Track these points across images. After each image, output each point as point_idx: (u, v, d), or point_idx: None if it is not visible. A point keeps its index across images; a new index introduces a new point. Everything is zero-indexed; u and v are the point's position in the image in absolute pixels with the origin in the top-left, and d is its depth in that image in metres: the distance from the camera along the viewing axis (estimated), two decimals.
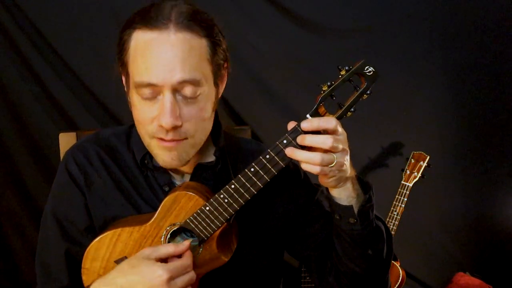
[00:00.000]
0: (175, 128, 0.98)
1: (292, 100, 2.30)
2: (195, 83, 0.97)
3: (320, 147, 0.90)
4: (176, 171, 1.14)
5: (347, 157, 0.95)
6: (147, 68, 0.95)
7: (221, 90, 1.11)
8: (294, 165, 1.22)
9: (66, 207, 1.12)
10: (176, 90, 0.97)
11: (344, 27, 2.35)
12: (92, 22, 2.17)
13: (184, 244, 0.99)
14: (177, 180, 1.13)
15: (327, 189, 1.03)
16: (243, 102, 2.32)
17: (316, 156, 0.90)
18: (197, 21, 0.97)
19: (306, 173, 1.23)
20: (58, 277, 1.11)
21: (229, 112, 2.31)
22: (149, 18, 0.96)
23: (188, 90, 0.97)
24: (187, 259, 0.98)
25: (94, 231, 1.10)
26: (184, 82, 0.96)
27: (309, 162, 0.91)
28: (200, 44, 0.98)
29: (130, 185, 1.11)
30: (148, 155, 1.11)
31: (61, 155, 1.44)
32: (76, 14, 2.17)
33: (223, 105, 2.28)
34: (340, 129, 0.92)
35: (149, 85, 0.96)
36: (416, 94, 2.42)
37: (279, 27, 2.31)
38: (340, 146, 0.91)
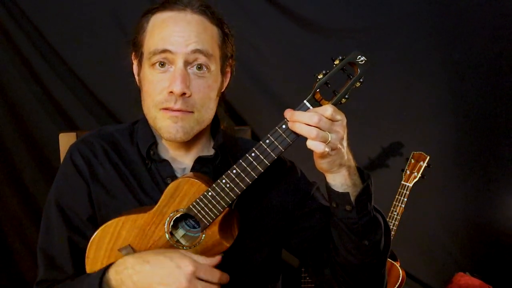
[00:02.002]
0: (184, 96, 1.04)
1: (292, 100, 2.29)
2: (207, 55, 1.05)
3: (306, 123, 0.93)
4: (178, 164, 1.17)
5: (344, 143, 0.97)
6: (164, 38, 1.05)
7: (225, 84, 1.17)
8: (291, 162, 1.27)
9: (69, 197, 1.14)
10: (188, 62, 1.05)
11: (344, 27, 2.35)
12: (92, 22, 2.17)
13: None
14: (178, 173, 1.15)
15: (325, 178, 1.04)
16: (243, 102, 2.32)
17: (312, 130, 0.92)
18: (210, 11, 1.09)
19: (302, 171, 1.27)
20: (63, 267, 1.12)
21: (229, 112, 2.31)
22: (168, 3, 1.09)
23: (199, 61, 1.05)
24: (218, 273, 0.99)
25: (96, 222, 1.12)
26: (197, 52, 1.04)
27: (306, 135, 0.93)
28: (212, 28, 1.09)
29: (133, 178, 1.14)
30: (154, 146, 1.14)
31: (61, 155, 1.44)
32: (76, 14, 2.17)
33: (223, 105, 2.28)
34: (338, 116, 0.94)
35: (164, 51, 1.04)
36: (416, 94, 2.42)
37: (279, 27, 2.31)
38: (334, 128, 0.94)
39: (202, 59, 1.05)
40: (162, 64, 1.05)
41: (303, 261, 1.22)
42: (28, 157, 2.24)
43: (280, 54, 2.33)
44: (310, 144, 0.93)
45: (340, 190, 1.02)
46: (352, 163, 1.02)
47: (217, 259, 1.01)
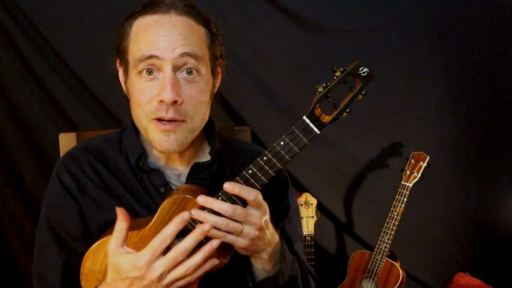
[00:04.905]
0: (175, 104, 0.99)
1: (292, 100, 2.30)
2: (196, 57, 1.00)
3: (222, 213, 0.92)
4: (172, 170, 1.13)
5: (261, 232, 0.95)
6: (149, 43, 0.99)
7: (217, 85, 1.12)
8: (284, 175, 1.24)
9: (60, 216, 1.10)
10: (177, 68, 0.99)
11: (344, 27, 2.36)
12: (92, 22, 2.17)
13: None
14: (173, 180, 1.12)
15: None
16: (243, 102, 2.32)
17: (222, 221, 0.91)
18: (195, 11, 1.04)
19: (292, 186, 1.25)
20: (51, 284, 1.09)
21: (229, 112, 2.31)
22: (151, 5, 1.03)
23: (189, 65, 1.00)
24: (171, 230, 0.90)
25: (90, 238, 1.08)
26: (185, 55, 0.99)
27: (215, 226, 0.91)
28: (199, 29, 1.04)
29: (124, 189, 1.10)
30: (143, 156, 1.10)
31: (61, 155, 1.44)
32: (76, 14, 2.17)
33: (223, 105, 2.28)
34: (259, 202, 0.93)
35: (151, 57, 0.98)
36: (416, 94, 2.42)
37: (279, 27, 2.31)
38: (250, 219, 0.93)
39: (191, 62, 1.00)
40: (150, 71, 1.00)
41: None
42: (28, 157, 2.23)
43: (280, 54, 2.33)
44: (213, 232, 0.91)
45: (260, 275, 1.03)
46: (275, 239, 1.01)
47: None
